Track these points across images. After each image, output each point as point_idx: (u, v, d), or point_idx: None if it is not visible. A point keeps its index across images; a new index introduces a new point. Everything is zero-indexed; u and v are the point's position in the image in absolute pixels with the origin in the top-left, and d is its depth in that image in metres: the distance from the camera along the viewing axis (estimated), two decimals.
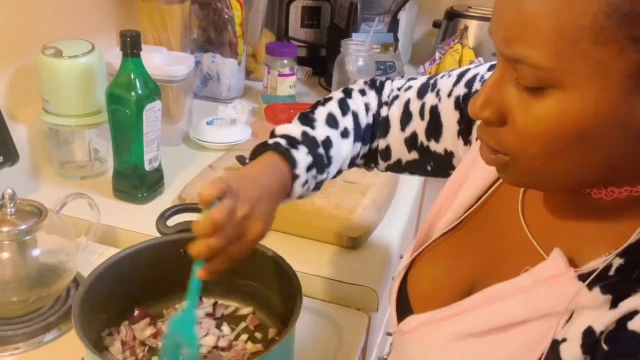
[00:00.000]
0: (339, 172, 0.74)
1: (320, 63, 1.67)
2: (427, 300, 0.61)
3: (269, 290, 0.74)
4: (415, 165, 0.75)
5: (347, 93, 0.76)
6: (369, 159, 0.78)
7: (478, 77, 0.68)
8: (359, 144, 0.75)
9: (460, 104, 0.68)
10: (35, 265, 0.78)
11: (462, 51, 1.46)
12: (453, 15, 1.64)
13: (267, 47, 1.42)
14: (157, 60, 1.14)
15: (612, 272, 0.46)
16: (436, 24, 1.75)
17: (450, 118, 0.69)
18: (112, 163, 1.02)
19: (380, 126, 0.75)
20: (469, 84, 0.68)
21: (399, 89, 0.76)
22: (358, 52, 1.39)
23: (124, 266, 0.71)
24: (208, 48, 1.44)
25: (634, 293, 0.44)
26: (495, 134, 0.48)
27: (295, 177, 0.65)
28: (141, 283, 0.73)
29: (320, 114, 0.72)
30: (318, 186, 0.70)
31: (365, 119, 0.75)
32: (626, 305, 0.44)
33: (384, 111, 0.76)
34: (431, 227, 0.67)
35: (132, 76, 0.94)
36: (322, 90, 1.61)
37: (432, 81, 0.73)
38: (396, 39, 1.58)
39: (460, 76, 0.69)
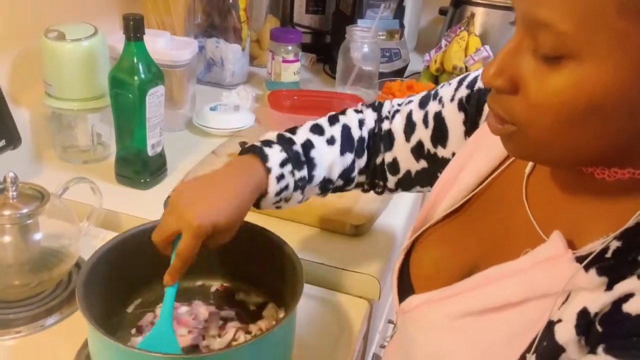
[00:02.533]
0: (329, 181, 0.73)
1: (325, 49, 1.66)
2: (429, 281, 0.62)
3: (272, 274, 0.74)
4: (425, 175, 0.74)
5: (341, 112, 0.77)
6: (374, 176, 0.78)
7: (480, 77, 0.68)
8: (350, 156, 0.74)
9: (464, 105, 0.68)
10: (37, 249, 0.78)
11: (468, 39, 1.44)
12: (459, 3, 1.62)
13: (272, 33, 1.41)
14: (161, 45, 1.13)
15: (609, 255, 0.47)
16: (442, 11, 1.73)
17: (455, 121, 0.69)
18: (114, 148, 1.02)
19: (383, 140, 0.76)
20: (471, 85, 0.68)
21: (399, 105, 0.77)
22: (363, 38, 1.38)
23: (126, 247, 0.71)
24: (212, 33, 1.43)
25: (630, 276, 0.44)
26: (506, 103, 0.47)
27: (268, 170, 0.66)
28: (144, 264, 0.73)
29: (306, 124, 0.74)
30: (300, 186, 0.70)
31: (357, 132, 0.75)
32: (621, 288, 0.44)
33: (385, 125, 0.76)
34: (431, 209, 0.67)
35: (135, 60, 0.93)
36: (326, 77, 1.60)
37: (432, 92, 0.74)
38: (402, 26, 1.56)
39: (460, 81, 0.70)
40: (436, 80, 1.48)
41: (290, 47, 1.40)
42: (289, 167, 0.68)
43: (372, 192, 0.81)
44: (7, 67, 1.02)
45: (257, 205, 0.69)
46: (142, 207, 0.94)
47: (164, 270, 0.63)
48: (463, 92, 0.68)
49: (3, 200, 0.74)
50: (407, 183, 0.77)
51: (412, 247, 0.68)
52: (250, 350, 0.59)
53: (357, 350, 0.79)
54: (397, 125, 0.75)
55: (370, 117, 0.77)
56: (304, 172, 0.69)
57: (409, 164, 0.75)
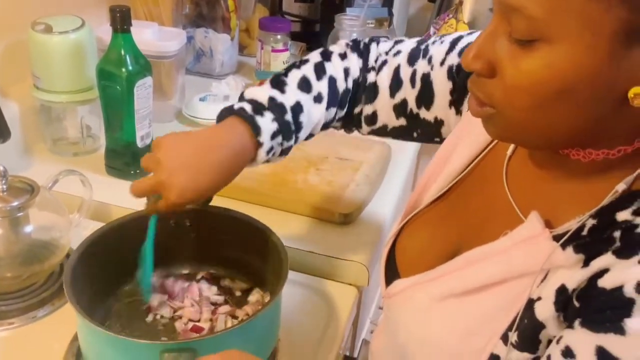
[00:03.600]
0: (310, 136, 0.73)
1: (314, 38, 1.66)
2: (413, 265, 0.63)
3: (257, 260, 0.76)
4: (401, 132, 0.75)
5: (326, 56, 0.73)
6: (350, 123, 0.77)
7: (470, 42, 0.67)
8: (334, 109, 0.73)
9: (453, 74, 0.68)
10: (28, 242, 0.79)
11: (456, 26, 1.45)
12: None
13: (261, 22, 1.41)
14: (148, 36, 1.13)
15: (585, 232, 0.48)
16: None
17: (442, 87, 0.69)
18: (104, 140, 1.02)
19: (367, 91, 0.74)
20: (462, 53, 0.67)
21: (386, 53, 0.74)
22: (352, 27, 1.38)
23: (114, 236, 0.72)
24: (200, 23, 1.43)
25: (605, 252, 0.46)
26: (485, 86, 0.49)
27: (259, 144, 0.65)
28: (132, 253, 0.74)
29: (293, 77, 0.70)
30: (285, 152, 0.70)
31: (343, 84, 0.73)
32: (597, 264, 0.46)
33: (371, 76, 0.74)
34: (420, 196, 0.68)
35: (123, 52, 0.93)
36: None
37: (422, 47, 0.72)
38: (391, 14, 1.56)
39: (453, 44, 0.69)
40: None
41: (279, 36, 1.40)
42: (279, 138, 0.67)
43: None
44: None
45: None
46: (132, 198, 0.94)
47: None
48: (454, 59, 0.68)
49: None
50: (380, 133, 0.77)
51: (399, 233, 0.69)
52: (236, 334, 0.60)
53: (346, 336, 0.80)
54: (383, 79, 0.73)
55: (355, 64, 0.74)
56: (291, 142, 0.69)
57: (388, 119, 0.74)
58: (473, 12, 1.55)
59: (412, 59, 0.72)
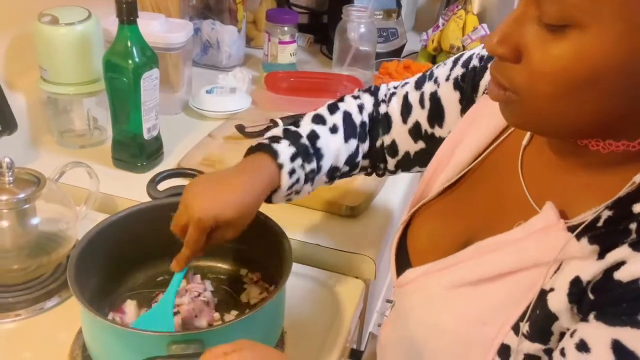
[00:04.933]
0: (336, 169, 0.74)
1: (322, 30, 1.65)
2: (425, 254, 0.63)
3: (261, 253, 0.76)
4: (424, 155, 0.75)
5: (339, 99, 0.78)
6: (375, 159, 0.79)
7: (474, 55, 0.68)
8: (354, 141, 0.75)
9: (460, 83, 0.69)
10: (35, 234, 0.79)
11: (465, 17, 1.43)
12: None
13: (268, 14, 1.40)
14: (155, 28, 1.12)
15: (600, 224, 0.48)
16: None
17: (451, 100, 0.70)
18: (111, 132, 1.02)
19: (381, 123, 0.77)
20: (466, 63, 0.69)
21: (395, 87, 0.78)
22: (360, 18, 1.37)
23: (116, 229, 0.73)
24: (207, 15, 1.42)
25: (621, 244, 0.45)
26: (508, 71, 0.48)
27: (280, 166, 0.67)
28: (134, 245, 0.74)
29: (307, 117, 0.75)
30: (310, 178, 0.71)
31: (358, 117, 0.76)
32: (613, 256, 0.45)
33: (382, 108, 0.77)
34: (427, 186, 0.68)
35: (129, 44, 0.93)
36: (323, 57, 1.59)
37: (428, 73, 0.74)
38: (399, 5, 1.55)
39: (455, 61, 0.70)
40: (433, 60, 1.47)
41: (286, 28, 1.39)
42: (299, 161, 0.69)
43: (374, 175, 0.82)
44: (1, 53, 1.02)
45: (269, 199, 0.70)
46: (139, 190, 0.93)
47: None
48: (458, 71, 0.69)
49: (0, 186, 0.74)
50: (407, 164, 0.77)
51: (409, 222, 0.69)
52: (242, 325, 0.60)
53: (352, 329, 0.80)
54: (394, 108, 0.76)
55: (368, 101, 0.78)
56: (313, 165, 0.70)
57: (408, 145, 0.75)
58: (483, 3, 1.53)
59: (419, 84, 0.74)
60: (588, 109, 0.45)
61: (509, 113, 0.51)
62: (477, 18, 1.44)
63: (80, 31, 0.99)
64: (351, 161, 0.75)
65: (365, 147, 0.77)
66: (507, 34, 0.47)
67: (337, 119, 0.74)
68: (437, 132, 0.72)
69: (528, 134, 0.59)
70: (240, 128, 1.12)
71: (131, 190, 0.95)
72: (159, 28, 1.14)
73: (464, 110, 0.69)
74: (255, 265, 0.79)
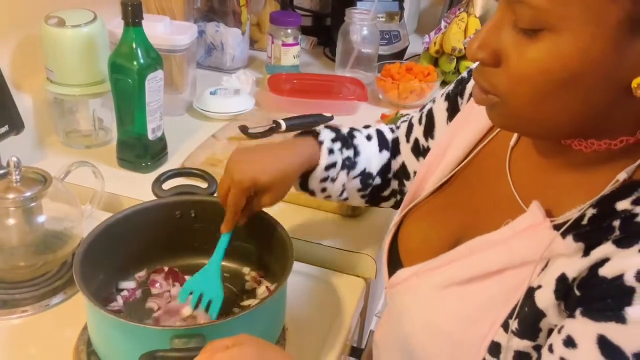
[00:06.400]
0: (369, 175, 0.78)
1: (325, 32, 1.66)
2: (416, 254, 0.64)
3: (262, 251, 0.77)
4: None
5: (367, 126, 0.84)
6: (399, 183, 0.82)
7: (466, 71, 0.71)
8: (387, 153, 0.80)
9: (449, 96, 0.72)
10: (41, 232, 0.80)
11: (467, 20, 1.44)
12: None
13: (271, 16, 1.41)
14: (160, 30, 1.14)
15: (585, 222, 0.49)
16: None
17: (440, 111, 0.73)
18: (116, 132, 1.03)
19: (394, 147, 0.81)
20: (458, 79, 0.72)
21: (407, 115, 0.83)
22: (362, 21, 1.39)
23: (122, 226, 0.74)
24: (212, 17, 1.44)
25: (605, 241, 0.46)
26: (489, 75, 0.49)
27: (320, 143, 0.74)
28: (139, 243, 0.76)
29: (343, 128, 0.81)
30: (346, 165, 0.75)
31: (390, 135, 0.82)
32: (598, 253, 0.46)
33: (395, 134, 0.82)
34: (420, 186, 0.69)
35: (134, 46, 0.94)
36: (326, 60, 1.60)
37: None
38: (401, 8, 1.56)
39: (454, 81, 0.74)
40: (436, 62, 1.48)
41: (289, 31, 1.40)
42: (338, 144, 0.75)
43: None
44: (8, 54, 1.04)
45: (305, 184, 0.75)
46: (143, 190, 0.95)
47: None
48: (451, 86, 0.72)
49: (7, 184, 0.76)
50: None
51: (401, 223, 0.70)
52: (243, 321, 0.62)
53: (353, 327, 0.81)
54: (402, 131, 0.80)
55: (394, 129, 0.84)
56: (350, 152, 0.76)
57: (413, 164, 0.78)
58: (484, 5, 1.55)
59: (423, 107, 0.78)
60: (568, 110, 0.47)
61: (494, 115, 0.52)
62: (479, 21, 1.45)
63: (86, 33, 1.01)
64: (383, 174, 0.80)
65: (396, 165, 0.81)
66: (486, 40, 0.48)
67: (371, 131, 0.82)
68: (430, 144, 0.75)
69: (515, 134, 0.60)
70: (244, 129, 1.13)
71: (135, 189, 0.97)
72: (163, 30, 1.15)
73: (449, 117, 0.71)
74: (259, 264, 0.80)
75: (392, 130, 0.84)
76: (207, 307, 0.70)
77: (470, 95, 0.68)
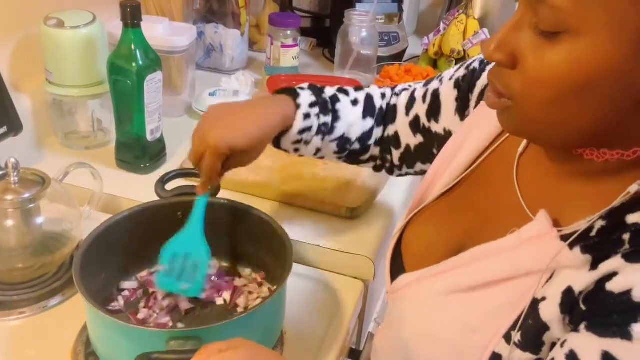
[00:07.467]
0: (347, 140, 0.77)
1: (324, 34, 1.66)
2: (419, 260, 0.63)
3: (262, 252, 0.77)
4: (423, 150, 0.77)
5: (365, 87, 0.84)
6: (383, 149, 0.82)
7: (477, 59, 0.70)
8: (370, 121, 0.79)
9: (460, 82, 0.71)
10: (40, 233, 0.80)
11: (466, 22, 1.44)
12: None
13: (270, 18, 1.41)
14: (159, 31, 1.14)
15: (593, 233, 0.47)
16: None
17: (449, 97, 0.72)
18: (115, 133, 1.03)
19: (389, 113, 0.80)
20: (469, 66, 0.71)
21: (409, 85, 0.82)
22: (362, 22, 1.39)
23: (123, 227, 0.74)
24: (211, 18, 1.44)
25: (614, 254, 0.45)
26: (505, 77, 0.48)
27: (297, 106, 0.73)
28: (141, 243, 0.76)
29: (334, 87, 0.80)
30: (322, 131, 0.75)
31: (379, 102, 0.80)
32: (605, 267, 0.45)
33: (393, 100, 0.81)
34: (427, 190, 0.69)
35: (133, 47, 0.94)
36: (325, 61, 1.60)
37: (439, 74, 0.77)
38: (401, 10, 1.56)
39: (462, 65, 0.73)
40: (435, 64, 1.48)
41: (289, 32, 1.40)
42: (316, 109, 0.74)
43: (383, 171, 0.85)
44: (7, 55, 1.04)
45: (277, 142, 0.74)
46: (142, 191, 0.95)
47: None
48: (461, 72, 0.71)
49: (5, 186, 0.76)
50: (409, 158, 0.79)
51: (406, 227, 0.69)
52: (241, 324, 0.61)
53: (351, 329, 0.81)
54: (402, 101, 0.80)
55: (388, 92, 0.83)
56: (328, 119, 0.75)
57: (408, 138, 0.78)
58: (484, 7, 1.55)
59: (427, 83, 0.78)
60: (582, 117, 0.46)
61: (505, 120, 0.51)
62: (478, 22, 1.45)
63: (85, 34, 1.01)
64: (364, 141, 0.79)
65: (378, 133, 0.80)
66: (504, 40, 0.47)
67: (359, 95, 0.80)
68: (434, 127, 0.74)
69: (524, 140, 0.59)
70: None
71: (134, 191, 0.97)
72: (162, 31, 1.15)
73: (458, 109, 0.70)
74: (259, 265, 0.80)
75: (384, 96, 0.82)
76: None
77: (480, 95, 0.67)
